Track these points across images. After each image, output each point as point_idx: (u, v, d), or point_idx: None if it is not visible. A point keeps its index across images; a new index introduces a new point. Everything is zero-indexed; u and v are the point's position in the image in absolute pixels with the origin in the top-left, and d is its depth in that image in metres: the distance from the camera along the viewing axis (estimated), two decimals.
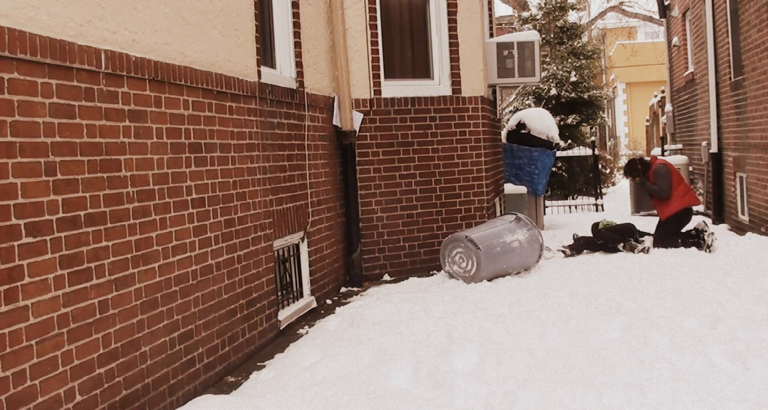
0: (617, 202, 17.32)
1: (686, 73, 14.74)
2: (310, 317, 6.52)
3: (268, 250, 5.80)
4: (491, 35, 10.51)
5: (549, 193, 17.02)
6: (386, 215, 8.20)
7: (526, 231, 7.79)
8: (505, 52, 9.52)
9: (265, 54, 6.30)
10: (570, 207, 16.59)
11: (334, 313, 6.33)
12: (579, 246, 9.12)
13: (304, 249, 6.76)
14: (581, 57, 19.21)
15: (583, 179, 18.36)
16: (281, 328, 5.98)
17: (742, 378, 4.28)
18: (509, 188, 11.17)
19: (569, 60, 18.91)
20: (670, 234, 9.12)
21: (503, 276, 7.51)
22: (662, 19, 17.25)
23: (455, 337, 5.04)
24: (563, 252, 9.00)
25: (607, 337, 5.05)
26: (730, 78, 11.09)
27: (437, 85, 8.50)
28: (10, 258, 3.13)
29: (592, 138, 20.42)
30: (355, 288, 7.74)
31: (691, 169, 14.34)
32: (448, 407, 4.04)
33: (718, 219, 11.75)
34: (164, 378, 4.25)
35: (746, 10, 9.88)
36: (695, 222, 9.31)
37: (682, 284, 6.65)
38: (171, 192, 4.42)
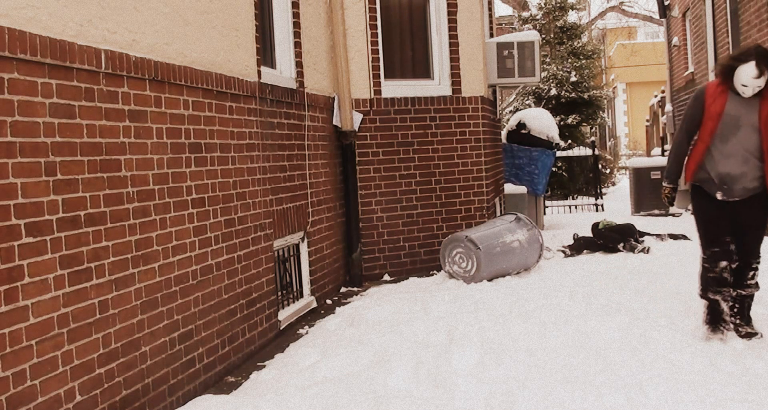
0: (617, 202, 17.31)
1: (686, 73, 14.74)
2: (310, 317, 6.52)
3: (268, 250, 5.79)
4: (491, 35, 10.50)
5: (549, 193, 17.01)
6: (386, 215, 8.20)
7: (526, 231, 7.79)
8: (505, 52, 9.52)
9: (265, 54, 6.30)
10: (570, 207, 16.58)
11: (334, 313, 6.33)
12: (579, 246, 9.12)
13: (304, 249, 6.76)
14: (581, 57, 19.21)
15: (583, 179, 18.35)
16: (281, 328, 5.98)
17: (742, 378, 4.28)
18: (509, 188, 11.16)
19: (569, 60, 18.91)
20: None
21: (503, 276, 7.50)
22: (662, 19, 17.26)
23: (455, 337, 5.04)
24: (563, 252, 9.00)
25: (607, 337, 5.05)
26: None
27: (437, 85, 8.50)
28: (10, 258, 3.13)
29: (592, 138, 20.42)
30: (355, 288, 7.74)
31: None
32: (448, 407, 4.04)
33: None
34: (164, 378, 4.25)
35: (746, 10, 9.88)
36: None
37: (682, 284, 6.64)
38: (171, 192, 4.42)
